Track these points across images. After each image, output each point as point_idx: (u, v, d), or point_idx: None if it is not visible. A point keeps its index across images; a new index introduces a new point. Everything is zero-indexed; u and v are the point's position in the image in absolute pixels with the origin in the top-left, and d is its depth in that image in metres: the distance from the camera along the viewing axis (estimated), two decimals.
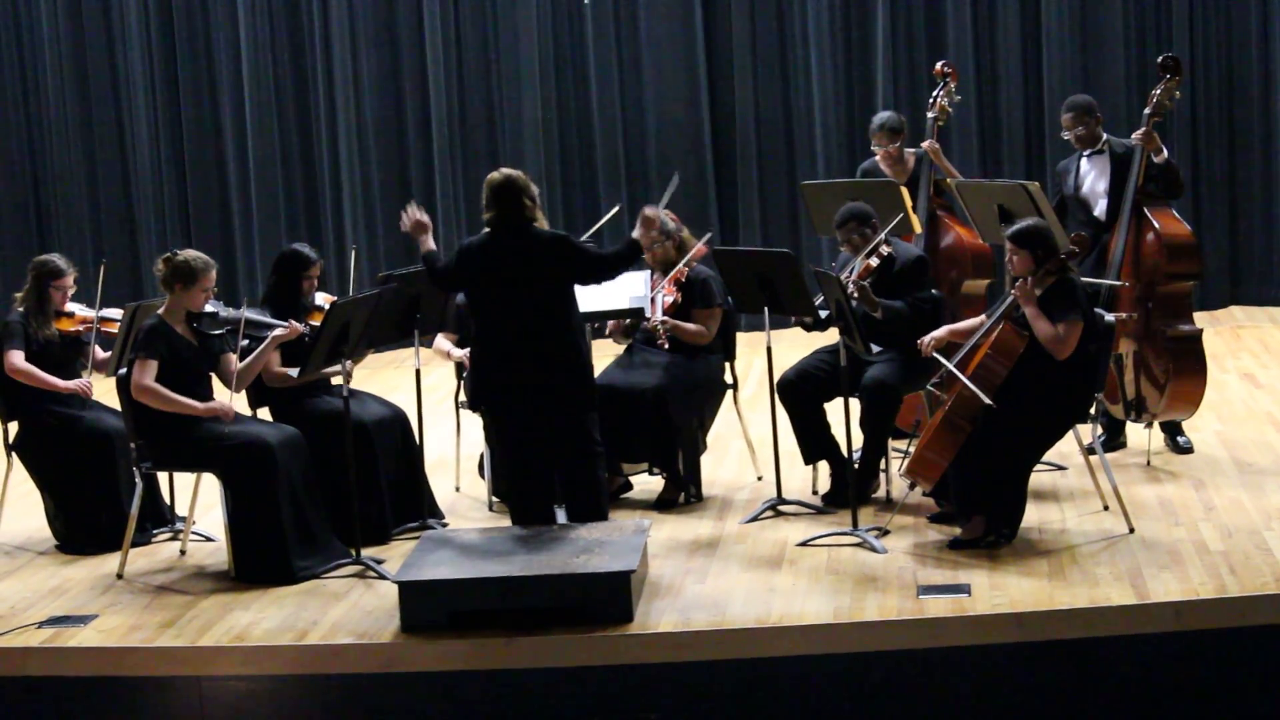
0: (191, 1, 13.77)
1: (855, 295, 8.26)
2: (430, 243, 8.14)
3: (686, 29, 13.48)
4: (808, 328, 8.70)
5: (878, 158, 9.92)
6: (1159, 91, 9.10)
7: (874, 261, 8.44)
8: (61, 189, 13.94)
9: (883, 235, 8.46)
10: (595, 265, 7.84)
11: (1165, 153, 9.09)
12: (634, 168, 13.62)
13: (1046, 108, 13.03)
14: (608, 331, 9.17)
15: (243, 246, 13.85)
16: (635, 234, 7.93)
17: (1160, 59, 9.29)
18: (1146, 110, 9.08)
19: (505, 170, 7.94)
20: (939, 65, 9.98)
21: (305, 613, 7.50)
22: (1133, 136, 9.09)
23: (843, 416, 8.25)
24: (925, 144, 9.69)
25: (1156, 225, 8.98)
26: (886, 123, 9.87)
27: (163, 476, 8.78)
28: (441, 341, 8.99)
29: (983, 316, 8.23)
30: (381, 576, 7.84)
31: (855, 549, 7.92)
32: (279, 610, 7.57)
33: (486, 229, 7.88)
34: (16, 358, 8.54)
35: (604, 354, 8.80)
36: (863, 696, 7.02)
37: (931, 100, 9.85)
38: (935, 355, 7.99)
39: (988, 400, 7.60)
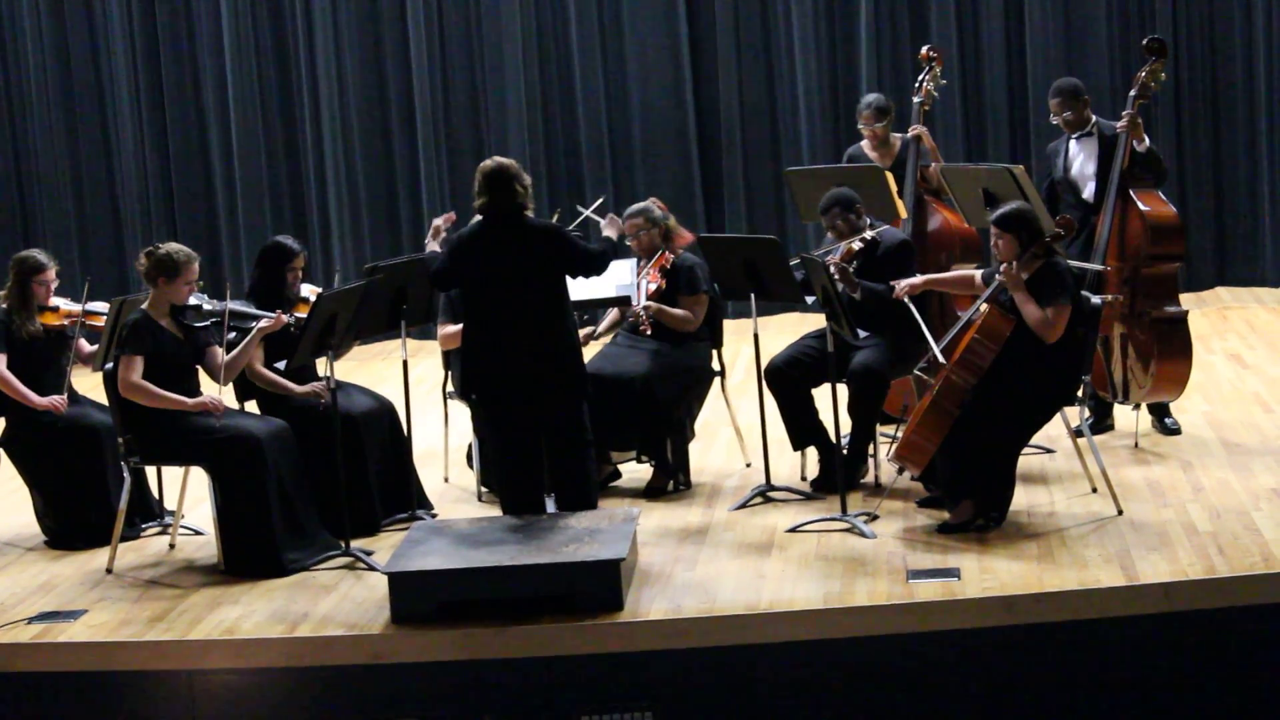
0: None
1: (836, 277, 8.26)
2: (435, 245, 8.15)
3: (670, 16, 13.45)
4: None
5: (864, 140, 9.92)
6: (1144, 74, 9.11)
7: (857, 245, 8.45)
8: (46, 184, 13.89)
9: (867, 220, 8.46)
10: (586, 261, 7.88)
11: (1147, 141, 9.09)
12: (618, 156, 13.60)
13: (1030, 91, 13.02)
14: (583, 336, 9.11)
15: (228, 239, 13.82)
16: (608, 233, 8.07)
17: (1145, 41, 9.30)
18: (1132, 92, 9.09)
19: (497, 158, 7.95)
20: (924, 50, 9.98)
21: (295, 605, 7.50)
22: (1118, 125, 9.08)
23: (831, 402, 8.26)
24: (912, 129, 9.69)
25: (1142, 207, 8.99)
26: (874, 102, 9.89)
27: (151, 471, 8.76)
28: (446, 328, 8.91)
29: (969, 272, 8.25)
30: (371, 568, 7.84)
31: (844, 534, 7.93)
32: (269, 603, 7.56)
33: (478, 216, 7.88)
34: None
35: (589, 345, 8.80)
36: (853, 681, 7.03)
37: (917, 84, 9.86)
38: (918, 319, 7.98)
39: (940, 356, 7.65)
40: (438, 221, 8.30)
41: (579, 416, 7.93)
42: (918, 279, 8.24)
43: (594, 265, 7.92)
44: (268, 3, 13.69)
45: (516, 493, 7.96)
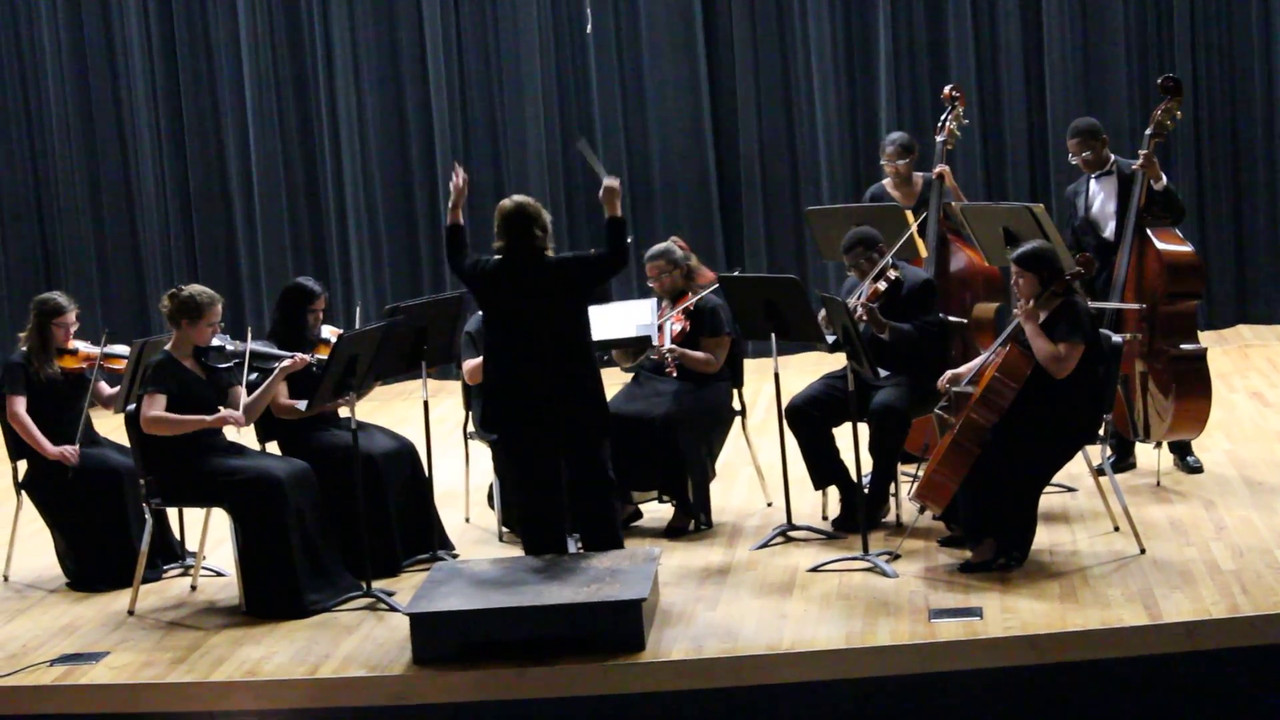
0: (195, 36, 13.81)
1: (863, 318, 8.26)
2: (459, 215, 7.98)
3: (689, 56, 13.50)
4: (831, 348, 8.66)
5: (886, 178, 9.93)
6: (1159, 112, 9.11)
7: (881, 285, 8.45)
8: (67, 226, 13.96)
9: (889, 259, 8.47)
10: (602, 261, 7.78)
11: (1164, 179, 9.10)
12: (638, 195, 13.63)
13: (1050, 129, 13.04)
14: (614, 356, 9.13)
15: (249, 280, 13.87)
16: (611, 212, 7.80)
17: (1160, 80, 9.31)
18: (1148, 131, 9.10)
19: (517, 198, 7.88)
20: (947, 89, 9.98)
21: (317, 646, 7.50)
22: (1134, 165, 9.09)
23: (851, 441, 8.25)
24: (937, 169, 9.68)
25: (1159, 246, 8.99)
26: (898, 140, 9.90)
27: (172, 512, 8.77)
28: (470, 362, 8.91)
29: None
30: (392, 609, 7.84)
31: (866, 574, 7.92)
32: (290, 644, 7.56)
33: (497, 255, 7.87)
34: (18, 405, 8.54)
35: (612, 382, 8.79)
36: None
37: (940, 124, 9.85)
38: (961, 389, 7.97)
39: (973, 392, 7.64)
40: (461, 184, 8.03)
41: (601, 457, 7.92)
42: (962, 369, 8.20)
43: (611, 263, 7.77)
44: (288, 41, 13.76)
45: (538, 532, 7.94)
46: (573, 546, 8.06)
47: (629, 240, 7.87)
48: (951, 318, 9.00)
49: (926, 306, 8.62)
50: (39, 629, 8.05)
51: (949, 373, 8.13)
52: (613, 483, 7.99)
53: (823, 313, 8.47)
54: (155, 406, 7.91)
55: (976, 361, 8.19)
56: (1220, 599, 7.19)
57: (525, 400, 7.79)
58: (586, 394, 7.82)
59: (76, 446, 8.56)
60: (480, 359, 8.80)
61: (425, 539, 8.56)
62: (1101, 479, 8.27)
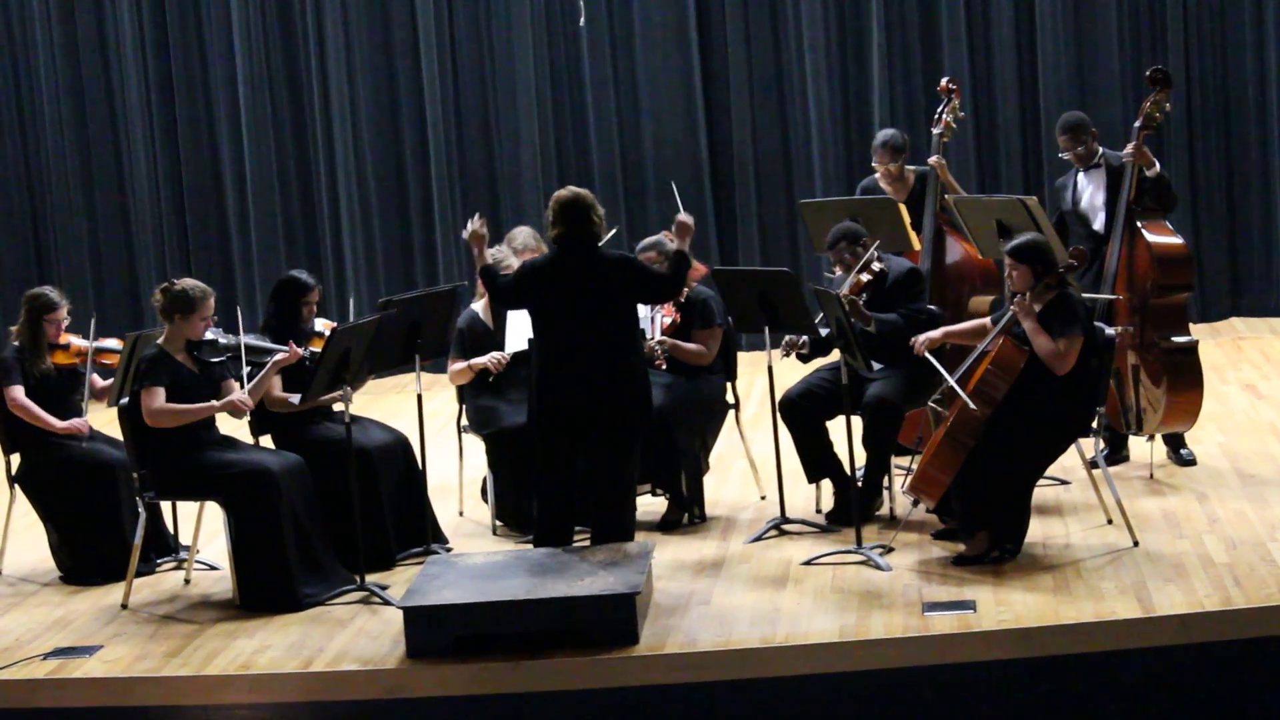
0: (187, 32, 13.79)
1: (847, 310, 8.26)
2: (486, 257, 8.13)
3: (682, 50, 13.49)
4: (805, 359, 8.68)
5: (878, 175, 9.90)
6: (1148, 104, 9.12)
7: (865, 277, 8.44)
8: (60, 221, 13.95)
9: (873, 252, 8.46)
10: (660, 285, 7.87)
11: (1157, 166, 9.10)
12: (632, 190, 13.62)
13: (1043, 123, 13.04)
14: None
15: (242, 274, 13.86)
16: (677, 245, 7.99)
17: (1149, 72, 9.31)
18: (1136, 123, 9.11)
19: (573, 188, 7.92)
20: (944, 81, 9.95)
21: (310, 640, 7.50)
22: (1124, 152, 9.10)
23: (845, 434, 8.25)
24: (932, 159, 9.66)
25: (1149, 238, 9.00)
26: (889, 141, 9.83)
27: (166, 506, 8.76)
28: (455, 364, 8.94)
29: (983, 321, 8.25)
30: (386, 602, 7.84)
31: (860, 567, 7.92)
32: (284, 638, 7.56)
33: (554, 245, 7.86)
34: (17, 392, 8.54)
35: None
36: (870, 714, 7.01)
37: (936, 116, 9.82)
38: (938, 368, 7.96)
39: (971, 405, 7.63)
40: (480, 230, 8.09)
41: (631, 453, 7.87)
42: (936, 333, 8.22)
43: (669, 288, 7.93)
44: (281, 35, 13.75)
45: (553, 523, 7.90)
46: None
47: (685, 278, 8.00)
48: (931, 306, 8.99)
49: (913, 295, 8.61)
50: (32, 623, 8.05)
51: (924, 336, 8.14)
52: (633, 482, 7.98)
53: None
54: (157, 399, 7.91)
55: (957, 327, 8.24)
56: (1213, 591, 7.20)
57: (573, 391, 7.74)
58: (632, 387, 7.78)
59: (85, 417, 8.56)
60: (463, 363, 8.84)
61: (419, 532, 8.56)
62: (1095, 472, 8.29)
